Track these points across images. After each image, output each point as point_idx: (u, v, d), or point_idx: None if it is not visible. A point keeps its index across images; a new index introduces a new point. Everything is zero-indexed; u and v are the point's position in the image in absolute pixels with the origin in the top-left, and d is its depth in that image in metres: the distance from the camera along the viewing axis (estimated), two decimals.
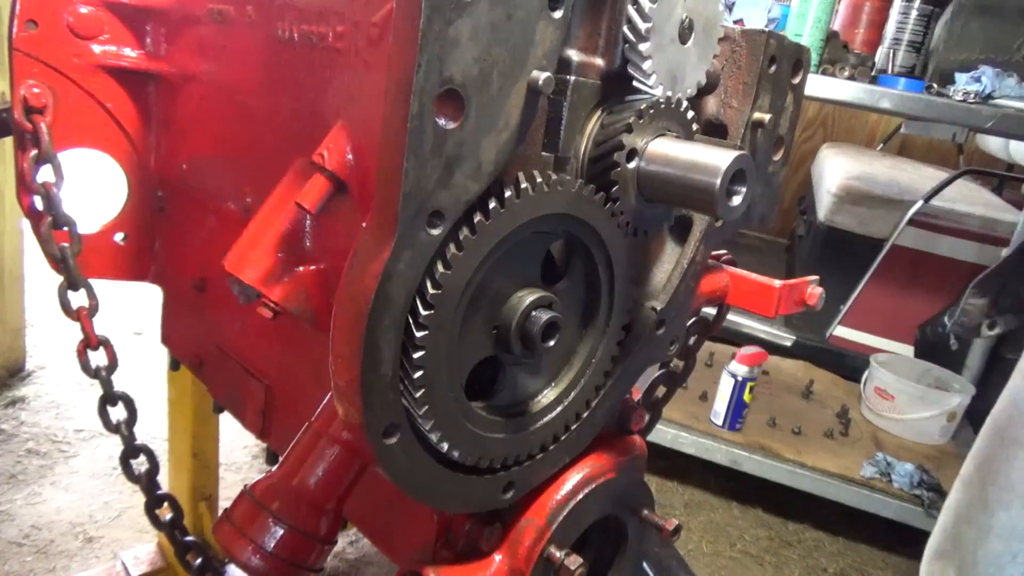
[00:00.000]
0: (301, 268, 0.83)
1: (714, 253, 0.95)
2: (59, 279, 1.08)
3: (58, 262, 1.07)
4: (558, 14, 0.62)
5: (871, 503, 2.31)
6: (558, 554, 0.82)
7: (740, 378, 2.39)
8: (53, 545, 1.94)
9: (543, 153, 0.71)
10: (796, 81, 0.89)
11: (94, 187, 1.87)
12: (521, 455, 0.78)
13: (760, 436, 2.47)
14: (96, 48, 1.13)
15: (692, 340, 1.07)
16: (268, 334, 1.10)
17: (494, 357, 0.72)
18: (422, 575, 0.80)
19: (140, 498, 1.20)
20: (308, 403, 0.84)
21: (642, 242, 0.80)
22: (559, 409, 0.80)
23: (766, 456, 2.40)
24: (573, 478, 0.86)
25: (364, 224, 0.61)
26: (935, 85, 2.29)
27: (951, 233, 2.81)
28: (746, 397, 2.42)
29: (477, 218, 0.62)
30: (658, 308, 0.84)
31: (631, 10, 0.69)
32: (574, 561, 0.81)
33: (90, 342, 1.10)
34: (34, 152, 1.06)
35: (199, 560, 1.21)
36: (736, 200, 0.69)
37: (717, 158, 0.67)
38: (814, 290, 0.95)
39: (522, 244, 0.68)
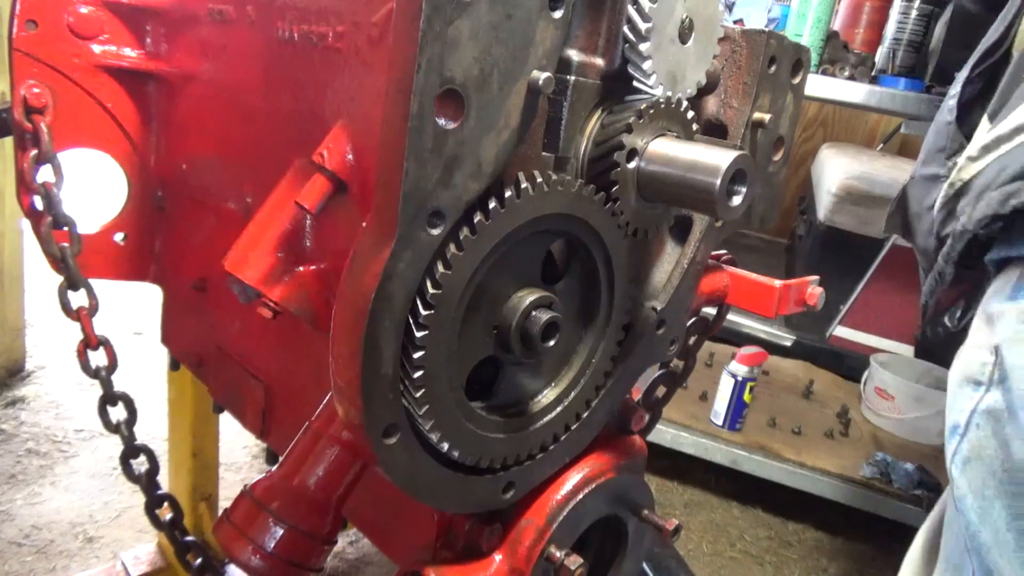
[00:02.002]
0: (301, 268, 0.83)
1: (714, 253, 0.95)
2: (59, 279, 1.08)
3: (58, 262, 1.07)
4: (558, 14, 0.62)
5: (871, 503, 2.31)
6: (558, 554, 0.82)
7: (740, 378, 2.39)
8: (53, 545, 1.94)
9: (543, 153, 0.71)
10: (796, 81, 0.89)
11: (94, 187, 1.87)
12: (521, 455, 0.78)
13: (760, 436, 2.47)
14: (96, 48, 1.13)
15: (692, 340, 1.07)
16: (268, 334, 1.10)
17: (494, 357, 0.72)
18: (422, 575, 0.80)
19: (140, 498, 1.19)
20: (308, 403, 0.84)
21: (642, 242, 0.80)
22: (559, 409, 0.80)
23: (766, 456, 2.40)
24: (573, 478, 0.86)
25: (364, 224, 0.61)
26: (935, 85, 2.29)
27: None
28: (746, 397, 2.42)
29: (477, 218, 0.62)
30: (658, 308, 0.84)
31: (631, 10, 0.69)
32: (574, 561, 0.81)
33: (90, 342, 1.10)
34: (34, 152, 1.05)
35: (199, 560, 1.21)
36: (736, 200, 0.69)
37: (717, 158, 0.67)
38: (814, 290, 0.95)
39: (522, 244, 0.68)
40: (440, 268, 0.61)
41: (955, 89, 1.21)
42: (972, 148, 0.96)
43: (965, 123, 1.17)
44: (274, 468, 0.81)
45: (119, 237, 1.25)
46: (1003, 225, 0.89)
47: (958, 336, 1.07)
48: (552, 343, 0.70)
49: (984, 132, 1.00)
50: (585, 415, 0.84)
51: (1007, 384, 0.82)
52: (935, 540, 1.11)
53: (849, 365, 2.98)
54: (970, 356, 0.90)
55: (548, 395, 0.80)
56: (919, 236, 1.20)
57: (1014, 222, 0.88)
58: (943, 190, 1.06)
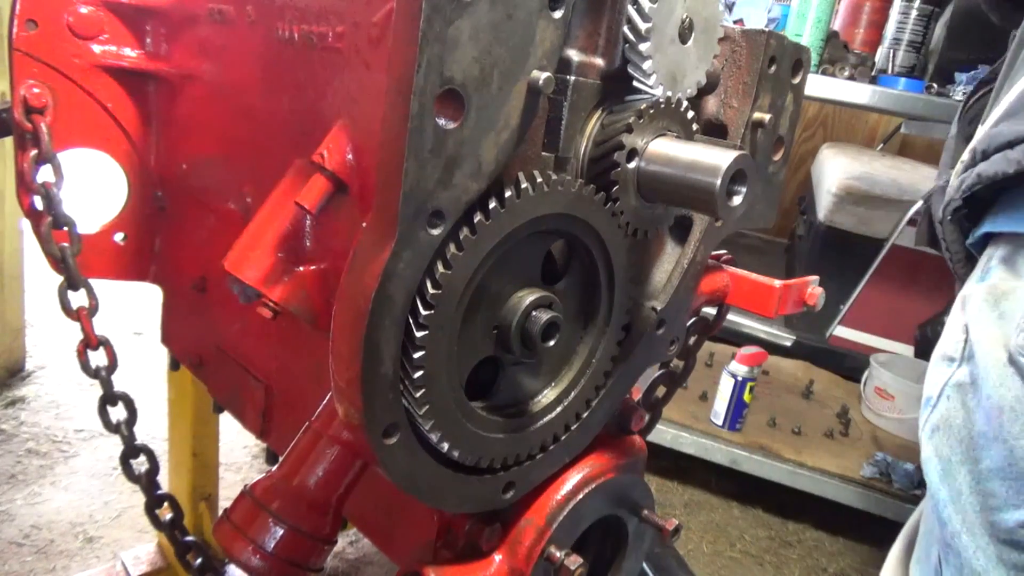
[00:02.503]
0: (301, 268, 0.83)
1: (714, 253, 0.95)
2: (59, 279, 1.08)
3: (58, 262, 1.07)
4: (558, 14, 0.62)
5: (871, 503, 2.31)
6: (558, 554, 0.82)
7: (740, 378, 2.39)
8: (53, 545, 1.94)
9: (543, 153, 0.71)
10: (796, 81, 0.89)
11: (94, 187, 1.87)
12: (521, 455, 0.78)
13: (760, 436, 2.47)
14: (96, 48, 1.13)
15: (692, 340, 1.07)
16: (268, 334, 1.10)
17: (494, 357, 0.72)
18: (422, 575, 0.80)
19: (140, 498, 1.20)
20: (308, 403, 0.84)
21: (642, 242, 0.80)
22: (559, 409, 0.80)
23: (766, 456, 2.40)
24: (573, 478, 0.86)
25: (364, 224, 0.61)
26: (935, 85, 2.29)
27: None
28: (746, 397, 2.42)
29: (477, 218, 0.62)
30: (658, 308, 0.84)
31: (631, 10, 0.69)
32: (574, 561, 0.81)
33: (90, 342, 1.10)
34: (34, 152, 1.06)
35: (199, 560, 1.21)
36: (736, 200, 0.69)
37: (717, 158, 0.67)
38: (814, 290, 0.95)
39: (522, 244, 0.68)
40: (440, 268, 0.61)
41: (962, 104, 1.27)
42: (965, 155, 0.99)
43: (967, 138, 1.21)
44: (274, 468, 0.81)
45: (119, 237, 1.25)
46: (967, 211, 0.95)
47: None
48: (552, 343, 0.70)
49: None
50: (585, 415, 0.84)
51: (974, 360, 0.88)
52: (912, 542, 1.15)
53: (849, 365, 2.98)
54: (947, 336, 0.96)
55: (548, 395, 0.79)
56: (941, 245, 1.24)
57: (971, 208, 0.94)
58: (945, 199, 1.10)
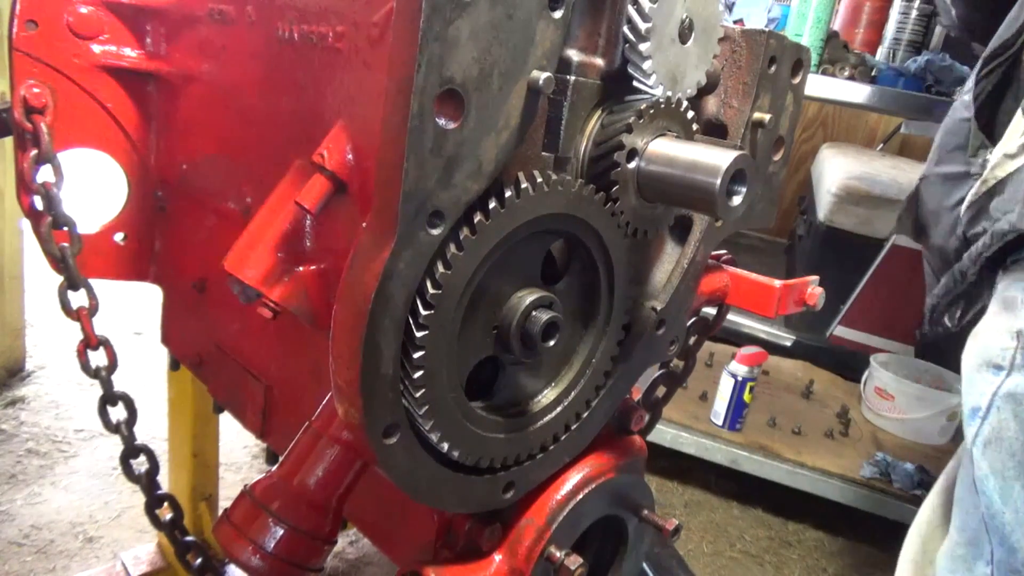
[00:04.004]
0: (301, 268, 0.83)
1: (714, 253, 0.95)
2: (59, 279, 1.08)
3: (58, 262, 1.07)
4: (558, 14, 0.62)
5: (871, 503, 2.31)
6: (558, 554, 0.82)
7: (740, 378, 2.39)
8: (53, 545, 1.94)
9: (543, 153, 0.71)
10: (796, 81, 0.89)
11: (94, 187, 1.87)
12: (521, 455, 0.78)
13: (760, 436, 2.47)
14: (96, 48, 1.13)
15: (692, 340, 1.07)
16: (268, 334, 1.10)
17: (494, 357, 0.72)
18: (422, 575, 0.80)
19: (140, 498, 1.20)
20: (308, 403, 0.84)
21: (642, 242, 0.80)
22: (559, 409, 0.80)
23: (766, 456, 2.40)
24: (573, 478, 0.86)
25: (364, 224, 0.61)
26: (935, 85, 2.29)
27: None
28: (746, 397, 2.42)
29: (477, 218, 0.62)
30: (658, 308, 0.84)
31: (631, 10, 0.69)
32: (574, 561, 0.81)
33: (90, 342, 1.10)
34: (34, 152, 1.06)
35: (199, 560, 1.21)
36: (736, 200, 0.69)
37: (717, 158, 0.67)
38: (814, 290, 0.95)
39: (522, 244, 0.68)
40: (440, 268, 0.61)
41: (969, 85, 1.18)
42: (1009, 144, 0.94)
43: (983, 119, 1.13)
44: (274, 468, 0.81)
45: (119, 237, 1.25)
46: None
47: (959, 335, 1.07)
48: (552, 343, 0.70)
49: (1020, 129, 0.97)
50: (585, 415, 0.84)
51: None
52: (945, 508, 1.11)
53: (849, 365, 2.98)
54: (989, 341, 0.91)
55: (548, 395, 0.80)
56: (935, 236, 1.17)
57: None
58: (974, 187, 1.03)
